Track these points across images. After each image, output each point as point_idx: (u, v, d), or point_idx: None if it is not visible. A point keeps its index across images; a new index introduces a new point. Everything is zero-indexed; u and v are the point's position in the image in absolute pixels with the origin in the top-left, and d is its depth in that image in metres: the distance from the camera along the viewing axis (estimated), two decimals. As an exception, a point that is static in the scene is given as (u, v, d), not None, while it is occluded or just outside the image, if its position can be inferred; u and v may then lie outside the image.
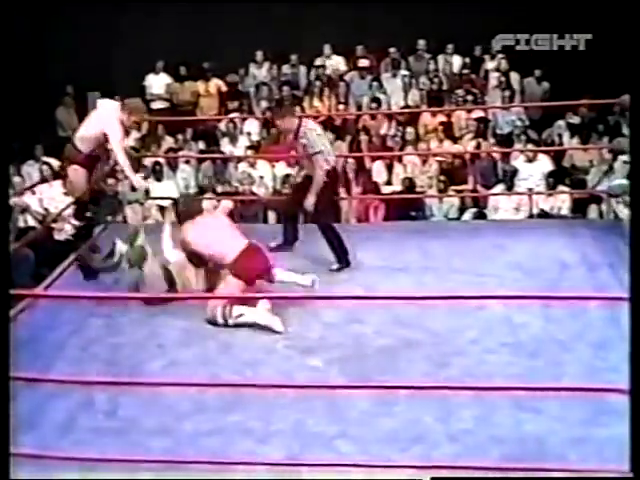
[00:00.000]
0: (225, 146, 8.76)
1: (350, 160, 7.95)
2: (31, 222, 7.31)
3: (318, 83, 9.23)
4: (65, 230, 7.11)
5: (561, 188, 7.66)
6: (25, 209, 7.32)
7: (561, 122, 8.63)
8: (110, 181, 7.56)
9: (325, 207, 5.21)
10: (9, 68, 3.29)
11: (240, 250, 4.56)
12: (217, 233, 4.66)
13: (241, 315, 4.48)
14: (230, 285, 4.50)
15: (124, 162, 5.00)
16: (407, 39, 9.35)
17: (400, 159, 8.26)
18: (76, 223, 5.69)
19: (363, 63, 9.51)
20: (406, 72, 9.41)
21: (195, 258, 4.73)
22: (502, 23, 8.88)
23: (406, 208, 7.66)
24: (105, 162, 5.99)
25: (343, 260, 5.24)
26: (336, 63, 9.59)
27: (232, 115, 8.92)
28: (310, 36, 9.37)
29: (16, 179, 7.85)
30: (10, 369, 2.89)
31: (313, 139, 5.08)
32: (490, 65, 9.41)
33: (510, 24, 8.87)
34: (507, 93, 8.90)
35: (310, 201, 5.08)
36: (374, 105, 8.85)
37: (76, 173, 5.14)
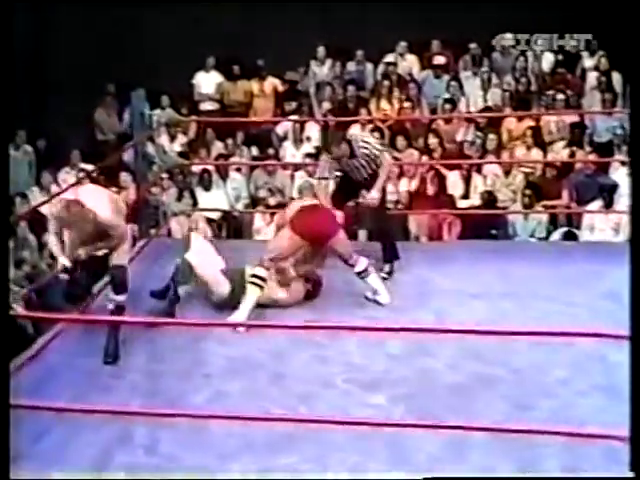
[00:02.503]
0: (286, 150, 8.87)
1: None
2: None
3: (386, 82, 9.29)
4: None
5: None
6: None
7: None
8: (154, 190, 7.74)
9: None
10: (41, 64, 3.42)
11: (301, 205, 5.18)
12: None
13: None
14: (282, 239, 4.99)
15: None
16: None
17: (479, 169, 8.23)
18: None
19: (439, 60, 9.54)
20: (487, 69, 9.42)
21: None
22: (502, 23, 9.15)
23: (485, 225, 7.63)
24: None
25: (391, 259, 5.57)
26: (410, 63, 9.65)
27: (291, 118, 9.04)
28: (377, 30, 9.46)
29: (53, 188, 8.09)
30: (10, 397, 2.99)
31: (371, 148, 5.46)
32: (588, 63, 9.33)
33: (510, 24, 9.12)
34: (608, 96, 8.79)
35: (375, 195, 5.43)
36: (448, 107, 8.86)
37: None
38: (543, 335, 4.15)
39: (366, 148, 5.42)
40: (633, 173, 3.27)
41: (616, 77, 9.13)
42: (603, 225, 7.54)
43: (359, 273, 5.16)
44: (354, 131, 5.59)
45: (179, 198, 8.10)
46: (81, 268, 4.71)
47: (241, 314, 4.89)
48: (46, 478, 3.34)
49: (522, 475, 3.30)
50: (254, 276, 4.96)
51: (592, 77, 9.20)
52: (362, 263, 5.14)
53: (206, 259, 5.21)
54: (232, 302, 5.01)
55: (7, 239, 3.64)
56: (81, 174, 8.02)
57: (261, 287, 4.96)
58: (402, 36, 9.56)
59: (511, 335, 3.93)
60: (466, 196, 8.12)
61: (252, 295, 4.94)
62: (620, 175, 7.87)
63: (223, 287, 5.11)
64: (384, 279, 5.39)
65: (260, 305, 5.00)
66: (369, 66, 9.78)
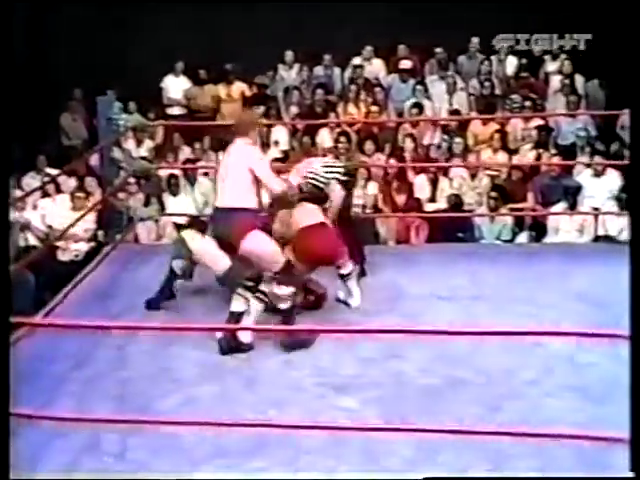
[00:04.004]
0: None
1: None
2: (32, 241, 7.44)
3: (354, 87, 9.30)
4: (70, 250, 7.23)
5: (633, 208, 7.60)
6: (25, 226, 7.44)
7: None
8: (121, 195, 7.66)
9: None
10: (8, 68, 3.36)
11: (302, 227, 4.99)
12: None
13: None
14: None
15: None
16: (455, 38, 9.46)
17: (446, 172, 8.27)
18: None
19: (405, 65, 9.57)
20: (453, 73, 9.46)
21: None
22: (502, 23, 9.19)
23: (452, 228, 7.65)
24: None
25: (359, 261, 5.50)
26: (376, 67, 9.67)
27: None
28: (345, 34, 9.47)
29: (16, 192, 7.99)
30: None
31: (319, 178, 5.29)
32: (551, 67, 9.42)
33: (510, 24, 9.18)
34: (572, 98, 8.87)
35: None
36: (415, 111, 8.90)
37: None
38: (543, 335, 4.17)
39: (313, 179, 5.27)
40: (633, 173, 3.27)
41: (579, 80, 9.23)
42: (568, 226, 7.60)
43: (344, 275, 5.15)
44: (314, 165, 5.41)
45: (146, 203, 8.02)
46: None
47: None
48: (46, 478, 3.27)
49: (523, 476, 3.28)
50: (259, 291, 4.80)
51: (555, 80, 9.29)
52: (349, 266, 5.16)
53: (203, 238, 5.18)
54: (232, 280, 4.90)
55: (7, 240, 3.55)
56: (46, 179, 7.93)
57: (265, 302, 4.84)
58: (369, 40, 9.56)
59: (507, 335, 3.89)
60: (433, 199, 8.14)
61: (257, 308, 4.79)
62: (584, 177, 7.95)
63: (220, 264, 5.00)
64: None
65: None
66: (337, 70, 9.78)
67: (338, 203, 5.34)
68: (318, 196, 5.23)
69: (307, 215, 5.09)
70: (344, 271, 5.15)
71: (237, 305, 4.72)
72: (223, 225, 4.70)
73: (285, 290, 4.71)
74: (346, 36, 9.44)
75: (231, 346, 4.63)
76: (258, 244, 4.64)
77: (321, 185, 5.28)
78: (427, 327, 4.33)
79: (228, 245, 4.73)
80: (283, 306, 4.73)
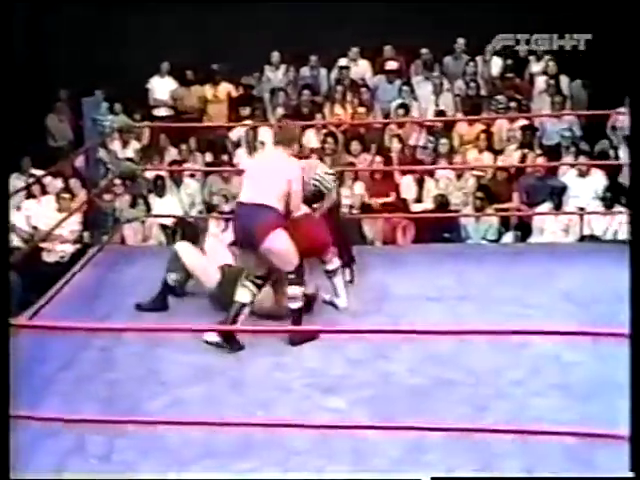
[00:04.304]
0: (242, 157, 8.82)
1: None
2: (16, 242, 7.40)
3: (340, 88, 9.30)
4: (56, 251, 7.20)
5: (618, 208, 7.62)
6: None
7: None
8: (107, 196, 7.63)
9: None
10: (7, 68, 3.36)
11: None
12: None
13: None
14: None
15: None
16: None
17: (432, 173, 8.29)
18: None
19: (391, 65, 9.59)
20: (439, 74, 9.48)
21: None
22: (502, 23, 9.19)
23: (438, 229, 7.68)
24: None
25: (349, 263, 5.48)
26: (362, 68, 9.67)
27: (245, 123, 8.98)
28: (331, 34, 9.47)
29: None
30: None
31: (324, 182, 5.28)
32: (535, 68, 9.46)
33: (510, 24, 9.18)
34: (557, 99, 8.91)
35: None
36: (401, 112, 8.90)
37: None
38: (542, 335, 4.17)
39: (321, 184, 5.28)
40: (633, 173, 3.27)
41: (564, 80, 9.27)
42: (553, 226, 7.63)
43: (330, 271, 5.13)
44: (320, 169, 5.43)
45: (133, 204, 7.99)
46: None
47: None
48: (46, 478, 3.25)
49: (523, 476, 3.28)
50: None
51: (540, 81, 9.33)
52: (336, 262, 5.13)
53: (199, 252, 5.25)
54: (221, 296, 4.97)
55: (7, 240, 3.52)
56: (31, 180, 7.90)
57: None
58: (354, 39, 9.56)
59: (502, 335, 3.92)
60: (419, 200, 8.17)
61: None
62: (569, 177, 7.99)
63: (212, 279, 5.09)
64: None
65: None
66: (323, 71, 9.79)
67: (329, 205, 5.34)
68: (316, 199, 5.25)
69: None
70: (330, 267, 5.11)
71: (243, 295, 4.71)
72: (247, 220, 4.66)
73: (296, 290, 4.74)
74: (332, 37, 9.43)
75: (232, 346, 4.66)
76: (281, 244, 4.66)
77: (326, 191, 5.29)
78: (415, 327, 4.33)
79: (248, 240, 4.70)
80: (293, 306, 4.75)
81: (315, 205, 5.24)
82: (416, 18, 9.28)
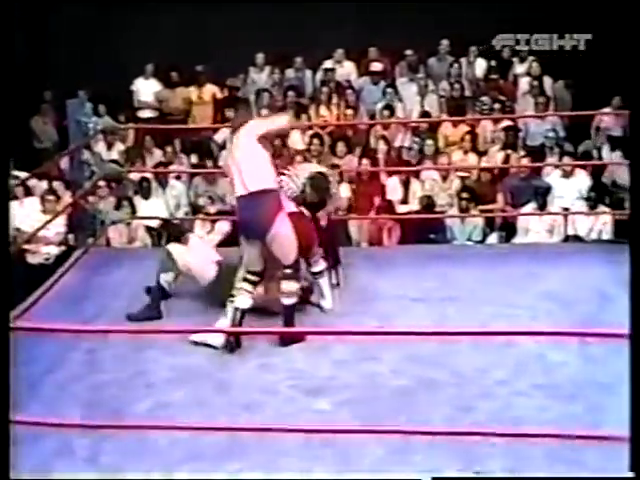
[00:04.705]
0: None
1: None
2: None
3: (325, 89, 9.32)
4: (40, 253, 7.17)
5: (602, 208, 7.66)
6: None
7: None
8: (92, 198, 7.61)
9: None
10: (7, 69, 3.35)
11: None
12: None
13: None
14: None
15: None
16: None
17: (417, 174, 8.31)
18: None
19: (376, 67, 9.60)
20: (423, 76, 9.51)
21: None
22: (502, 23, 9.23)
23: (424, 230, 7.69)
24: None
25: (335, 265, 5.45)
26: (347, 70, 9.68)
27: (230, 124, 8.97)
28: (316, 36, 9.47)
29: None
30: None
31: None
32: (519, 69, 9.50)
33: (510, 24, 9.21)
34: (540, 100, 8.95)
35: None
36: (386, 113, 8.92)
37: None
38: (541, 335, 4.20)
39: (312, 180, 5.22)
40: (633, 173, 3.29)
41: (547, 82, 9.32)
42: (538, 227, 7.67)
43: (315, 273, 5.13)
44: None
45: (118, 206, 7.97)
46: None
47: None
48: (46, 478, 3.24)
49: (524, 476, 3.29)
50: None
51: (524, 82, 9.37)
52: (322, 264, 5.13)
53: (189, 250, 5.23)
54: (219, 290, 4.95)
55: (7, 240, 3.51)
56: (15, 181, 7.85)
57: None
58: (338, 41, 9.57)
59: (497, 335, 3.92)
60: (405, 201, 8.18)
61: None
62: (553, 178, 8.03)
63: (207, 275, 5.09)
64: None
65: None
66: (308, 73, 9.78)
67: (335, 206, 5.40)
68: (313, 202, 5.21)
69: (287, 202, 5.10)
70: (316, 269, 5.11)
71: (243, 301, 4.69)
72: (251, 210, 4.63)
73: (292, 286, 4.72)
74: (317, 39, 9.44)
75: (232, 346, 4.64)
76: (287, 229, 4.66)
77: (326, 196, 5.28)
78: (400, 329, 4.35)
79: (255, 230, 4.68)
80: (287, 302, 4.72)
81: (320, 212, 5.24)
82: (401, 19, 9.31)
